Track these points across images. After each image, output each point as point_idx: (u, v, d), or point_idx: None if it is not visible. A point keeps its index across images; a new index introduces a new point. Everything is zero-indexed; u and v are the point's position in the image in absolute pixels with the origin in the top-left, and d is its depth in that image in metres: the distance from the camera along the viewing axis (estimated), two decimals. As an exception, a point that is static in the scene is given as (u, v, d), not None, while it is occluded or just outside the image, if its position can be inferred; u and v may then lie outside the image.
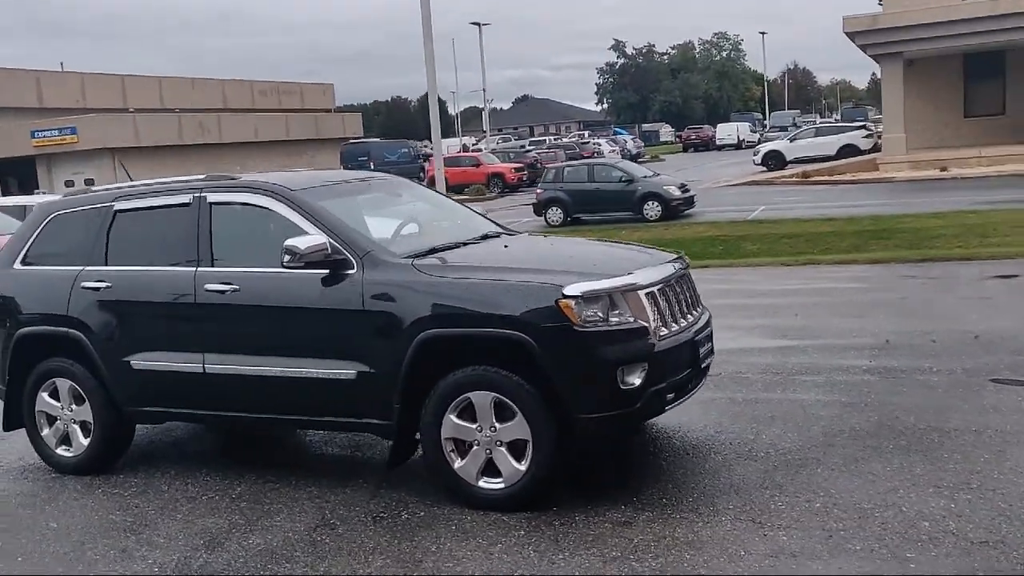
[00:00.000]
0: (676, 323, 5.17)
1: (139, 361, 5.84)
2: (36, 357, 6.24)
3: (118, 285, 5.93)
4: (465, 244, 5.78)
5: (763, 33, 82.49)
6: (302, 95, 57.87)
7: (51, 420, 6.27)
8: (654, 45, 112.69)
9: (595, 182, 23.42)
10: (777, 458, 5.45)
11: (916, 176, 27.24)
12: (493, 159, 40.32)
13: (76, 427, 6.18)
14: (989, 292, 10.03)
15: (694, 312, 5.47)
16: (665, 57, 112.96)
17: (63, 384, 6.15)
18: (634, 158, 45.59)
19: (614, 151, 50.13)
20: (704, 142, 64.45)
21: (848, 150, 36.14)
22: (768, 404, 6.51)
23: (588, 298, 4.80)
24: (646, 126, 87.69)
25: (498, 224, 6.55)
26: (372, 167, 38.61)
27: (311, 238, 5.25)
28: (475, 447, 5.00)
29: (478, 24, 47.95)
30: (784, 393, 6.77)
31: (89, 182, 40.82)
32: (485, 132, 53.69)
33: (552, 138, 63.61)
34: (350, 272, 5.25)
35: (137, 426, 6.37)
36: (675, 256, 5.71)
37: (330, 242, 5.25)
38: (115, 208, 6.13)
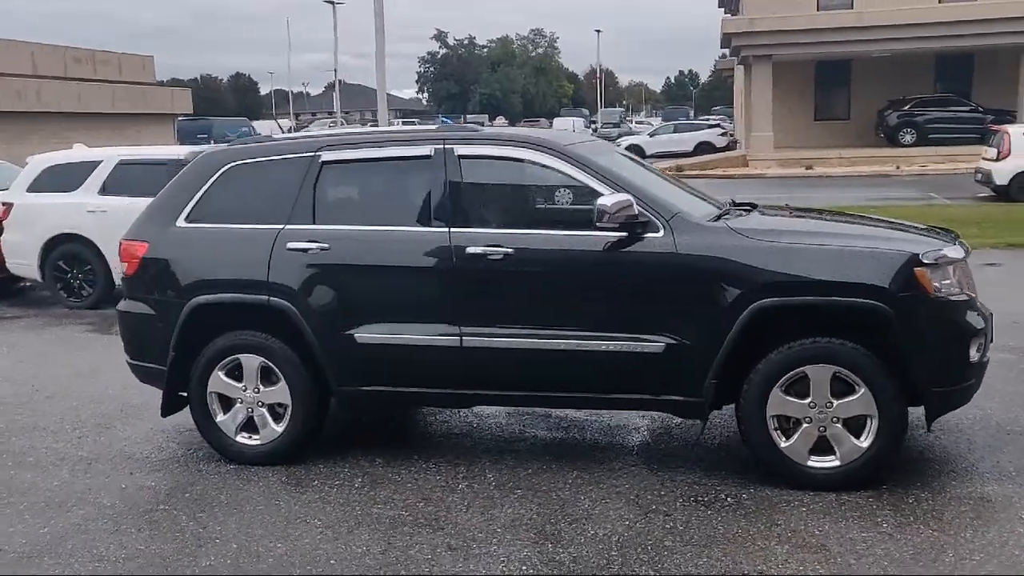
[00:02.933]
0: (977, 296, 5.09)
1: (367, 334, 5.11)
2: (211, 331, 5.35)
3: (339, 247, 5.16)
4: (739, 211, 5.45)
5: (599, 31, 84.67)
6: (120, 66, 53.28)
7: (226, 403, 5.39)
8: (475, 37, 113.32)
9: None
10: (1039, 434, 5.48)
11: (785, 173, 28.71)
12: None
13: (264, 411, 5.35)
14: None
15: None
16: (485, 50, 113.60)
17: (250, 361, 5.30)
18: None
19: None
20: (539, 135, 65.23)
21: (704, 147, 37.94)
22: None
23: (937, 266, 4.63)
24: (471, 117, 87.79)
25: None
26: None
27: (616, 196, 4.75)
28: (804, 424, 4.70)
29: (332, 3, 46.32)
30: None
31: None
32: (333, 113, 51.94)
33: (419, 121, 62.65)
34: (655, 235, 4.81)
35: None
36: (955, 233, 5.62)
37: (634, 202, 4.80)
38: (322, 159, 5.33)
